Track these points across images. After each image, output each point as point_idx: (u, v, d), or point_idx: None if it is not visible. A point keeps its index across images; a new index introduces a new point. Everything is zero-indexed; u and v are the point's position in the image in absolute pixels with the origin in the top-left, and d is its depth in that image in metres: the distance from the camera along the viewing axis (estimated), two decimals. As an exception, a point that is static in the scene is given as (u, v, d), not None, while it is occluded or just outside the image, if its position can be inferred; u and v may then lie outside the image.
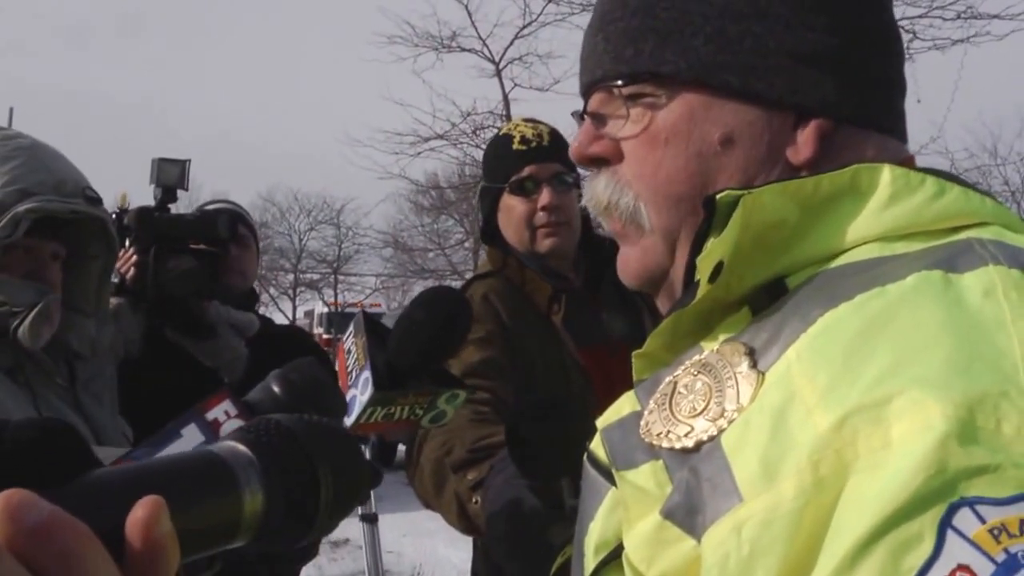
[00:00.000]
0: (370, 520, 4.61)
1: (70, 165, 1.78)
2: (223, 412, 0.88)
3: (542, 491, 1.27)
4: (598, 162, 0.90)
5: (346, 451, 0.65)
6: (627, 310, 2.16)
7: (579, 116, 0.94)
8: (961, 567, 0.54)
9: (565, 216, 2.10)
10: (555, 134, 2.17)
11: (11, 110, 11.32)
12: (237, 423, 0.87)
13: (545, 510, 1.26)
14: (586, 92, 0.93)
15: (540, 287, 2.11)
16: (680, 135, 0.84)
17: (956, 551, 0.55)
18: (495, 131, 2.33)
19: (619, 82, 0.87)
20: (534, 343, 2.03)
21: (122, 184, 2.50)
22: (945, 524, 0.56)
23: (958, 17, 10.91)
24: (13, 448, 0.48)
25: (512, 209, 2.11)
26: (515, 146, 2.12)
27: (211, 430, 0.87)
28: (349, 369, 1.06)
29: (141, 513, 0.48)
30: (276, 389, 0.92)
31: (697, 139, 0.84)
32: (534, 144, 2.11)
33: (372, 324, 1.08)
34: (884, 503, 0.57)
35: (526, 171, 2.09)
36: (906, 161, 0.83)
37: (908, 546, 0.56)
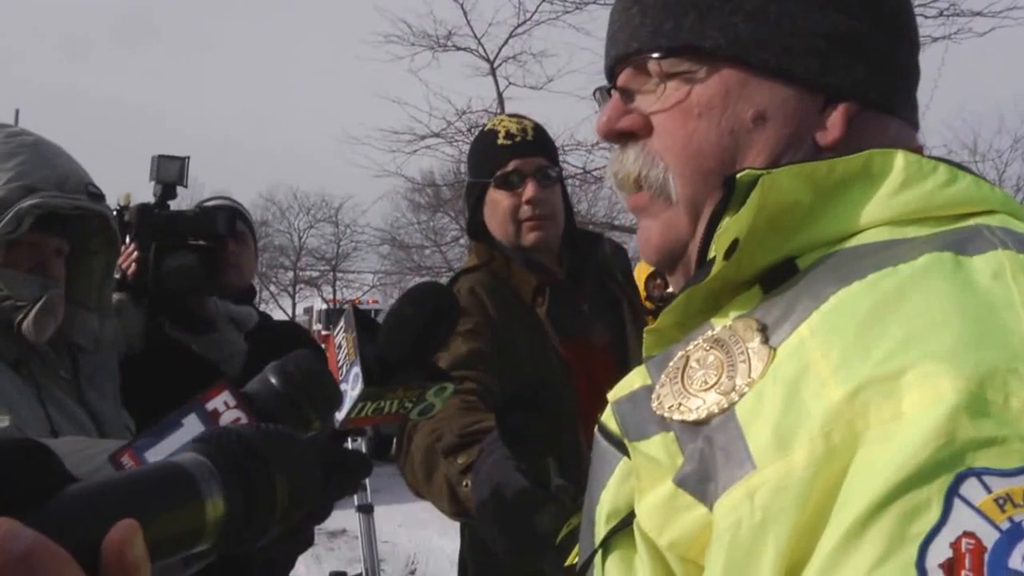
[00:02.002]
0: (366, 511, 4.63)
1: (73, 162, 1.80)
2: (222, 402, 0.90)
3: (530, 472, 1.29)
4: (625, 137, 0.91)
5: (301, 456, 0.70)
6: (607, 303, 2.19)
7: (605, 92, 0.94)
8: (967, 534, 0.56)
9: (549, 209, 2.14)
10: (539, 129, 2.20)
11: (17, 112, 11.35)
12: (236, 413, 0.90)
13: (533, 489, 1.28)
14: (614, 67, 0.93)
15: (525, 280, 2.13)
16: (714, 110, 0.85)
17: (962, 519, 0.57)
18: (488, 129, 2.37)
19: (656, 55, 0.87)
20: (520, 335, 2.06)
21: (125, 186, 2.52)
22: (952, 492, 0.57)
23: (940, 14, 10.83)
24: None
25: (497, 203, 2.14)
26: (500, 141, 2.15)
27: (211, 420, 0.89)
28: (340, 364, 1.07)
29: (117, 537, 0.51)
30: (273, 380, 0.93)
31: (731, 115, 0.85)
32: (518, 139, 2.14)
33: (362, 319, 1.09)
34: (894, 471, 0.59)
35: (511, 165, 2.12)
36: (917, 150, 0.85)
37: (916, 513, 0.58)
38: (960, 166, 0.81)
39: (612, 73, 0.93)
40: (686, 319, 0.84)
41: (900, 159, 0.79)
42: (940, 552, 0.56)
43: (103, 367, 1.91)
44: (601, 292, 2.21)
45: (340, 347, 1.09)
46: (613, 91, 0.92)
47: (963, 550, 0.56)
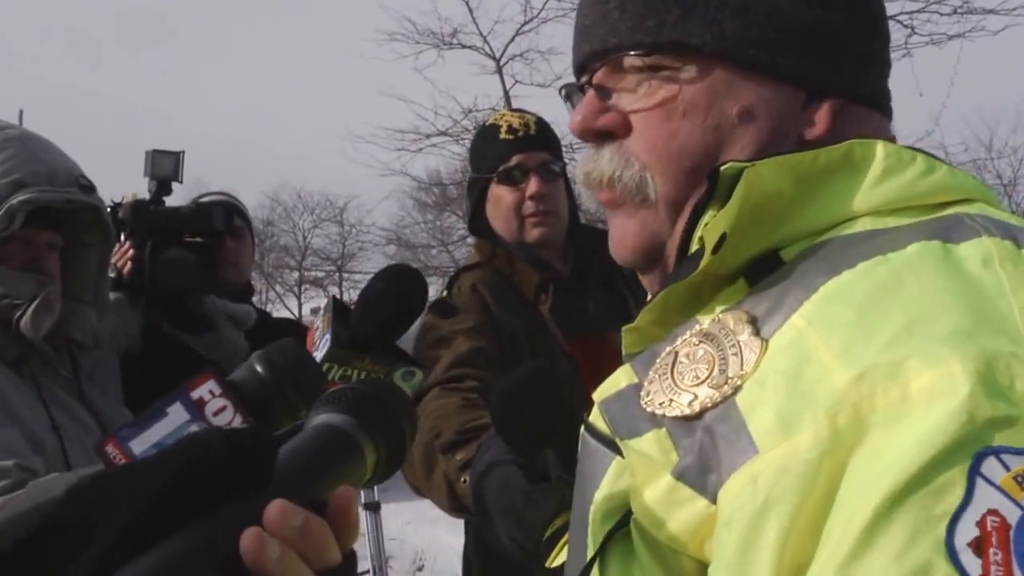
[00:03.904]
0: (373, 508, 4.63)
1: (62, 154, 1.79)
2: (208, 391, 0.90)
3: (529, 465, 1.28)
4: (602, 136, 0.89)
5: (401, 394, 0.78)
6: (613, 299, 2.17)
7: (576, 88, 0.93)
8: (991, 512, 0.57)
9: (553, 205, 2.12)
10: (542, 123, 2.18)
11: (21, 112, 11.40)
12: (222, 402, 0.90)
13: (532, 483, 1.27)
14: (586, 63, 0.91)
15: (528, 277, 2.12)
16: (699, 108, 0.84)
17: (986, 497, 0.57)
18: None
19: (638, 52, 0.86)
20: (522, 332, 2.04)
21: (128, 187, 2.50)
22: (974, 471, 0.58)
23: (955, 12, 10.89)
24: (217, 459, 0.56)
25: (500, 199, 2.12)
26: (502, 135, 2.13)
27: (196, 408, 0.89)
28: (316, 342, 1.10)
29: (343, 502, 0.59)
30: (259, 368, 0.94)
31: (716, 113, 0.84)
32: (521, 133, 2.12)
33: (340, 307, 1.12)
34: (917, 453, 0.59)
35: (514, 160, 2.10)
36: (891, 141, 0.85)
37: (941, 493, 0.58)
38: (933, 156, 0.82)
39: (583, 69, 0.91)
40: (665, 316, 0.83)
41: (880, 149, 0.79)
42: (967, 531, 0.56)
43: (102, 364, 1.90)
44: (606, 289, 2.18)
45: (317, 328, 1.11)
46: (588, 88, 0.90)
47: (989, 528, 0.56)
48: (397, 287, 1.10)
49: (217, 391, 0.90)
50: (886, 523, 0.58)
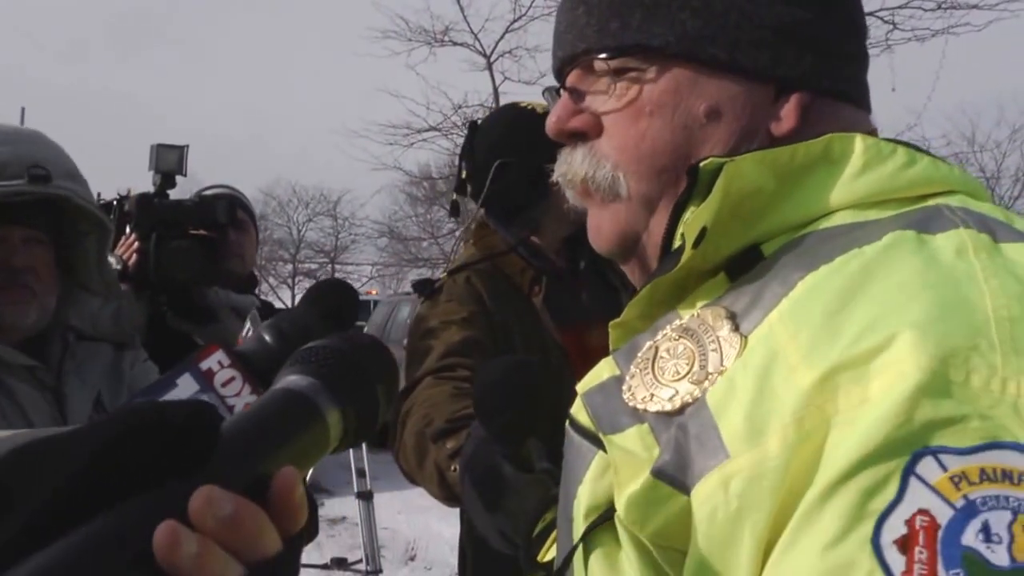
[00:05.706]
0: (366, 498, 4.72)
1: (23, 144, 1.71)
2: (216, 362, 0.90)
3: (513, 455, 1.27)
4: (575, 137, 0.91)
5: (383, 355, 0.72)
6: (605, 290, 2.15)
7: (554, 92, 0.95)
8: (921, 511, 0.57)
9: None
10: None
11: (23, 110, 11.37)
12: (231, 372, 0.90)
13: (514, 473, 1.26)
14: (563, 67, 0.93)
15: (523, 268, 2.11)
16: (665, 108, 0.85)
17: (917, 496, 0.57)
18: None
19: (604, 55, 0.87)
20: (515, 324, 2.04)
21: (127, 185, 2.51)
22: (909, 471, 0.58)
23: (938, 7, 10.87)
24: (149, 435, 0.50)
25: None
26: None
27: (205, 379, 0.89)
28: None
29: (284, 483, 0.53)
30: (268, 338, 0.94)
31: (683, 112, 0.84)
32: None
33: (269, 314, 1.08)
34: (855, 450, 0.59)
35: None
36: (871, 133, 0.85)
37: (874, 490, 0.58)
38: (916, 148, 0.82)
39: (561, 73, 0.94)
40: (650, 310, 0.84)
41: (859, 143, 0.79)
42: (895, 529, 0.57)
43: (96, 353, 1.85)
44: (597, 280, 2.17)
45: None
46: (562, 91, 0.92)
47: (917, 527, 0.57)
48: (325, 311, 1.05)
49: (226, 362, 0.90)
50: (818, 515, 0.60)
